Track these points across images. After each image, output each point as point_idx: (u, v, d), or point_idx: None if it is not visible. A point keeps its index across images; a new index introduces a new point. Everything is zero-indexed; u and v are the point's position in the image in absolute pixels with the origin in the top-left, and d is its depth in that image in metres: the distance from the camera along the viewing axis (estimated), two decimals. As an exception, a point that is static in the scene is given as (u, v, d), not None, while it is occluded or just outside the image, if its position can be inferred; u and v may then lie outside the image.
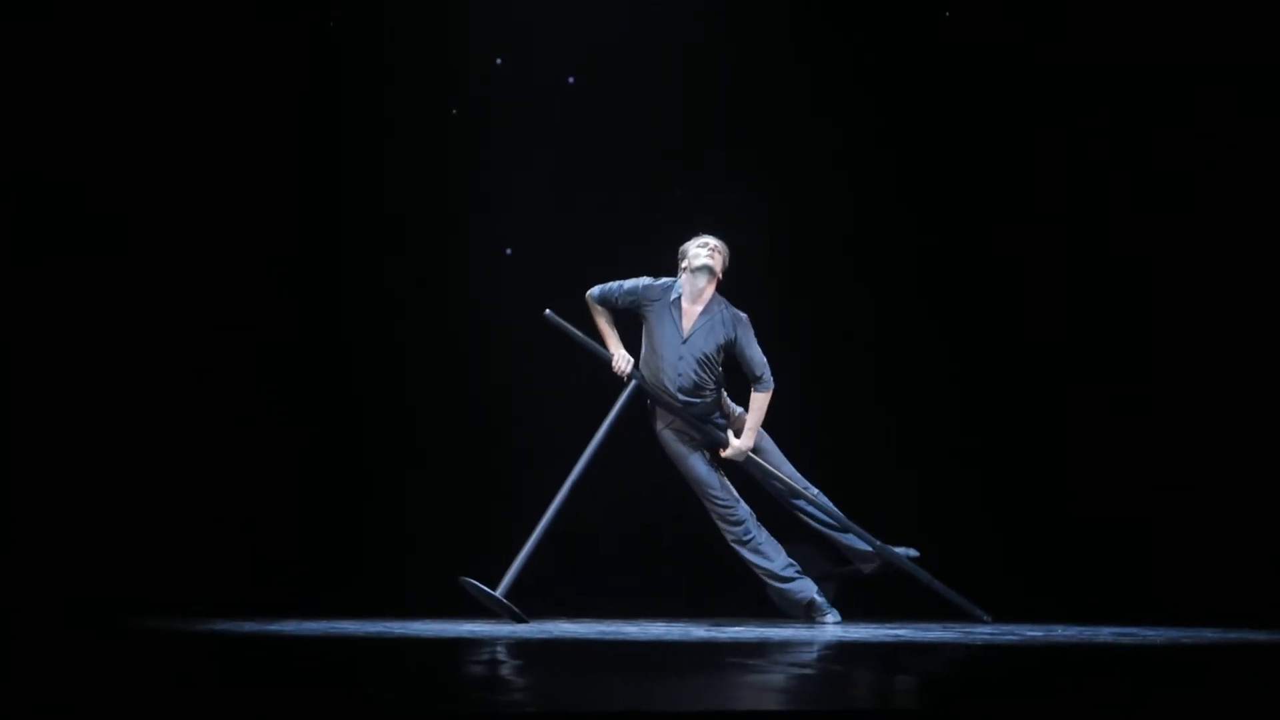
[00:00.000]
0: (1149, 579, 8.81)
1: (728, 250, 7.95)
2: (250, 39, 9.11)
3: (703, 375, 7.86)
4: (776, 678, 5.00)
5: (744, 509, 7.96)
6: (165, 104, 9.01)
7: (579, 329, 7.97)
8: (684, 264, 7.91)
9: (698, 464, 7.95)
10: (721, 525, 7.99)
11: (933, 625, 7.66)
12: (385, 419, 9.40)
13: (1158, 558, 8.87)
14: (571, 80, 9.44)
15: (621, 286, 7.96)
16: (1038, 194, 9.26)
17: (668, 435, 7.99)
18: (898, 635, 6.98)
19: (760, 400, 7.84)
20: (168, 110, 9.01)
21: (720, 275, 7.90)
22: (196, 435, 9.03)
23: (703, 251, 7.88)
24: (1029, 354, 9.28)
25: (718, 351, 7.86)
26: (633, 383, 7.91)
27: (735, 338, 7.85)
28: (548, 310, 7.96)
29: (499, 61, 9.43)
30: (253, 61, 9.11)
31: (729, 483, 7.99)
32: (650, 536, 9.29)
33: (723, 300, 7.92)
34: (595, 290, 7.97)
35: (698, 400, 7.89)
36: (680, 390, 7.86)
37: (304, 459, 9.26)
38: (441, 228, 9.40)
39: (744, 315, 7.91)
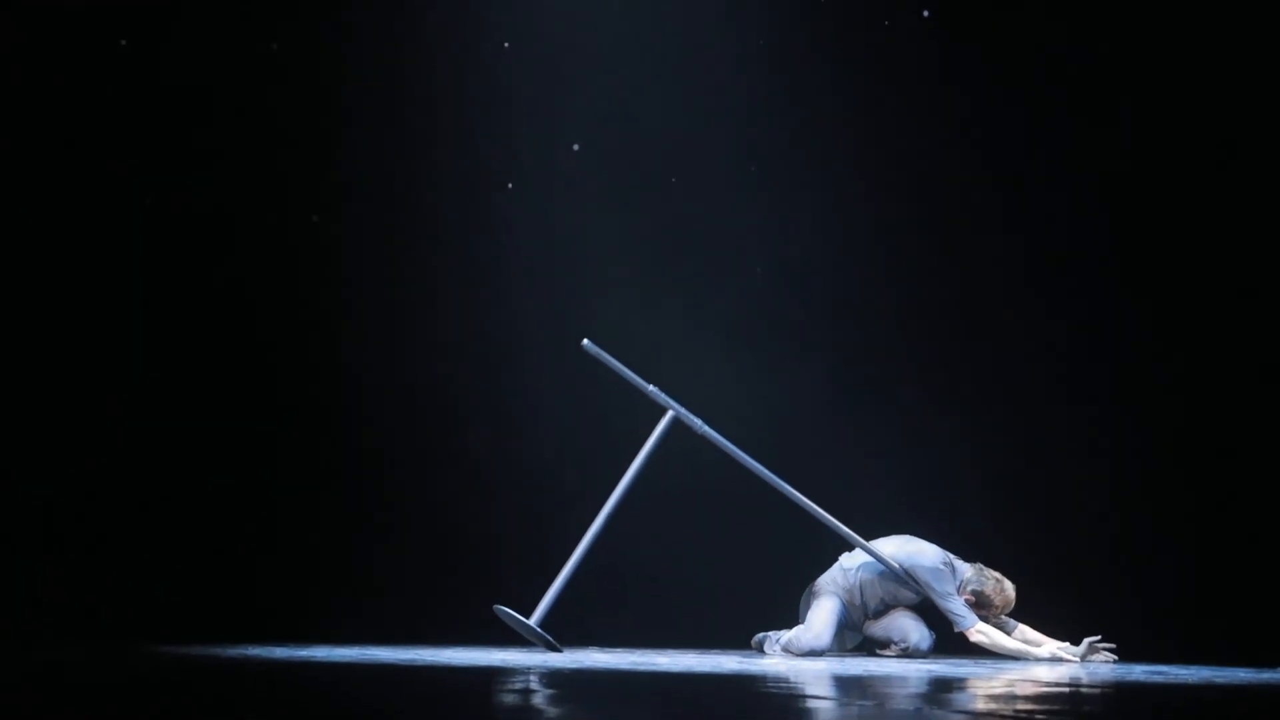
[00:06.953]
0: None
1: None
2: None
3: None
4: (807, 709, 5.00)
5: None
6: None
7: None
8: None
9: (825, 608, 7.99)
10: (789, 639, 7.94)
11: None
12: (428, 450, 9.40)
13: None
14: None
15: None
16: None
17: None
18: (931, 671, 6.96)
19: None
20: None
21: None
22: (220, 450, 9.12)
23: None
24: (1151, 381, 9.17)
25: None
26: (668, 414, 7.88)
27: None
28: (586, 340, 7.95)
29: (576, 148, 9.35)
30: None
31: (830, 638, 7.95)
32: (683, 568, 9.27)
33: None
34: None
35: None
36: None
37: (341, 485, 9.29)
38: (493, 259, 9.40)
39: None
